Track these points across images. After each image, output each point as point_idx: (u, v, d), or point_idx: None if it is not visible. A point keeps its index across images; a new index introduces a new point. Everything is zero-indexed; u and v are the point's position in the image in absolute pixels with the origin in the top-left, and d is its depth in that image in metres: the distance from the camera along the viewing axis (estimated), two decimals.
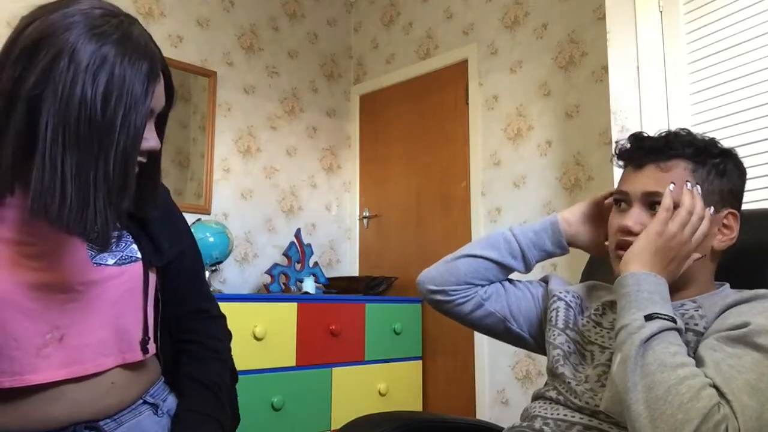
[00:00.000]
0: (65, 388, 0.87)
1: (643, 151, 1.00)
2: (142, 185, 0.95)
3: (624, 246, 0.98)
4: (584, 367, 1.02)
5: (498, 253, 1.15)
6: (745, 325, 0.83)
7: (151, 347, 0.99)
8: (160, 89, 0.86)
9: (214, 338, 1.09)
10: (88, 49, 0.77)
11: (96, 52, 0.77)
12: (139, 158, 0.87)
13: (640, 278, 0.88)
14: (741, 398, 0.74)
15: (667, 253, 0.90)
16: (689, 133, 1.01)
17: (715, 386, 0.76)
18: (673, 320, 0.83)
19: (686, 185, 0.95)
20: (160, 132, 0.92)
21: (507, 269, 1.17)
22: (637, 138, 1.02)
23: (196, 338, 1.07)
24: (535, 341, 1.18)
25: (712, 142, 1.00)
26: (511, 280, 1.21)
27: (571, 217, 1.15)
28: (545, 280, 1.22)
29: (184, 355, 1.06)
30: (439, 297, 1.16)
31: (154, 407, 0.98)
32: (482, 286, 1.16)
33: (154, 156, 0.94)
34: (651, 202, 0.97)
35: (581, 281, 1.40)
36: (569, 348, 1.05)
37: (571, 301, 1.11)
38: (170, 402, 1.02)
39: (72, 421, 0.88)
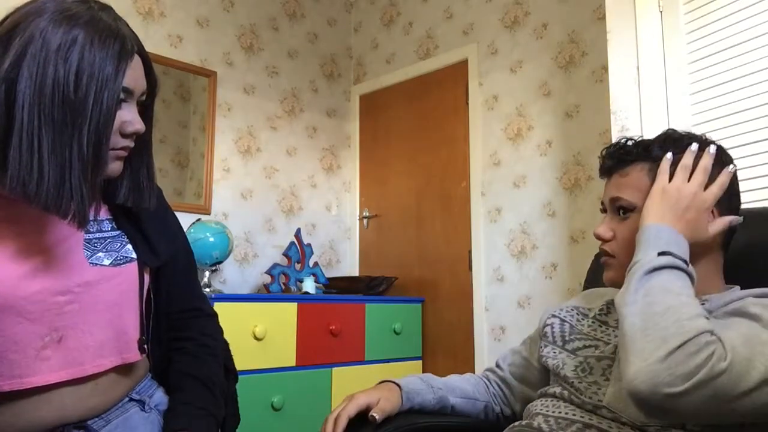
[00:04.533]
0: (57, 390, 0.87)
1: (607, 162, 1.04)
2: (139, 177, 0.96)
3: (603, 254, 1.02)
4: (591, 358, 1.01)
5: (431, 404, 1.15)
6: (742, 303, 0.85)
7: (146, 347, 0.99)
8: (135, 71, 0.87)
9: (208, 336, 1.09)
10: (59, 31, 0.79)
11: (66, 35, 0.79)
12: (127, 143, 0.88)
13: (661, 229, 0.89)
14: (733, 343, 0.75)
15: (677, 204, 0.90)
16: (664, 133, 1.01)
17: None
18: (686, 263, 0.84)
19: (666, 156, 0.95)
20: (148, 121, 0.93)
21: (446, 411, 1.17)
22: (606, 152, 1.05)
23: (189, 335, 1.07)
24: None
25: (680, 138, 0.99)
26: (504, 365, 1.24)
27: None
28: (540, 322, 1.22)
29: (177, 352, 1.06)
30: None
31: (141, 403, 0.98)
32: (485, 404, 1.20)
33: (143, 145, 0.95)
34: (617, 207, 1.00)
35: (585, 281, 1.40)
36: (568, 357, 1.05)
37: (564, 317, 1.12)
38: (158, 397, 1.01)
39: (60, 423, 0.88)
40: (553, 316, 1.13)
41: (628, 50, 2.07)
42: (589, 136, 2.74)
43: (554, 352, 1.08)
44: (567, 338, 1.08)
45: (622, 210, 0.99)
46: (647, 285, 0.81)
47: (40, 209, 0.81)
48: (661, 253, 0.84)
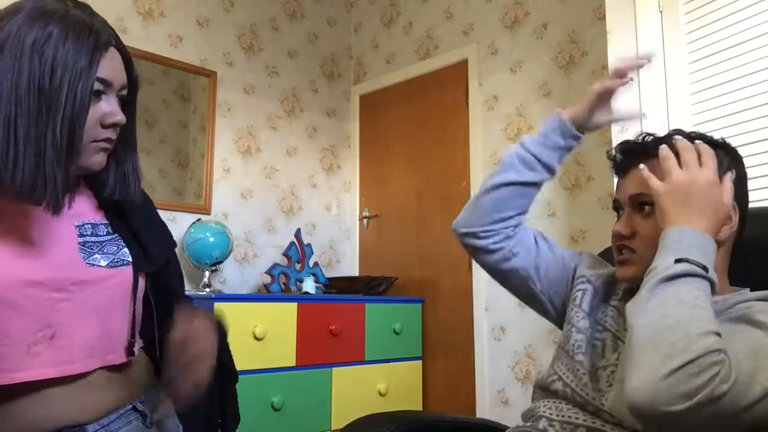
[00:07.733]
0: (47, 388, 0.87)
1: (626, 157, 1.02)
2: (124, 170, 0.98)
3: (621, 250, 0.99)
4: (597, 360, 1.01)
5: (515, 172, 1.15)
6: (748, 308, 0.84)
7: (136, 350, 0.98)
8: (113, 62, 0.89)
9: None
10: (34, 27, 0.83)
11: (42, 30, 0.83)
12: (108, 134, 0.90)
13: (682, 231, 0.85)
14: (738, 358, 0.74)
15: (698, 199, 0.87)
16: (678, 132, 1.00)
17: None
18: (705, 269, 0.81)
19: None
20: (130, 116, 0.96)
21: (531, 185, 1.16)
22: (621, 147, 1.04)
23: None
24: (556, 313, 1.17)
25: (699, 136, 0.99)
26: (548, 241, 1.20)
27: (578, 108, 1.16)
28: (580, 256, 1.19)
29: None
30: (470, 241, 1.17)
31: (144, 416, 0.97)
32: (513, 216, 1.15)
33: (128, 139, 0.97)
34: (639, 203, 0.98)
35: None
36: (591, 335, 1.04)
37: (599, 288, 1.09)
38: (163, 414, 0.99)
39: (54, 425, 0.87)
40: (588, 281, 1.10)
41: (628, 50, 2.07)
42: (589, 137, 2.69)
43: (577, 317, 1.05)
44: (592, 312, 1.06)
45: (645, 205, 0.97)
46: (661, 295, 0.78)
47: (14, 197, 0.83)
48: (678, 260, 0.81)
